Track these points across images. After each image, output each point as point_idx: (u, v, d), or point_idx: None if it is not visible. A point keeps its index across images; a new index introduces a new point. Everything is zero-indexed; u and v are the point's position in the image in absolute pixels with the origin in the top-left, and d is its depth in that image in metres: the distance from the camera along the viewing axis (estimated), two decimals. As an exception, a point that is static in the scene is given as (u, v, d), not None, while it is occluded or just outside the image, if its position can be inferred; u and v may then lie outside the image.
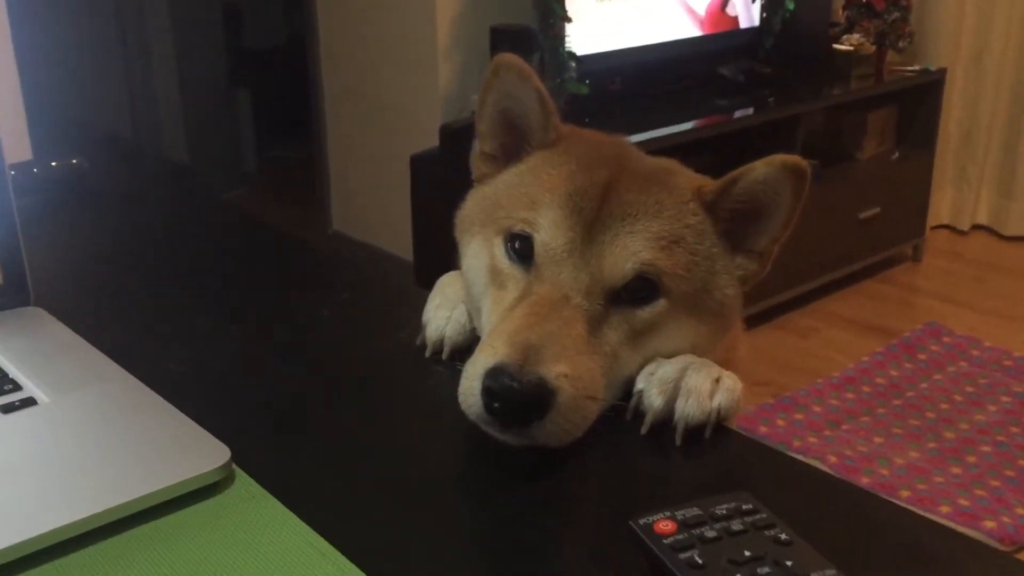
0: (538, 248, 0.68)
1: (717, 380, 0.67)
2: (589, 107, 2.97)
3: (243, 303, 0.89)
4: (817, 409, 2.76)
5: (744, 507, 0.51)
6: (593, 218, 0.68)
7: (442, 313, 0.77)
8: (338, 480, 0.61)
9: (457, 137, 2.39)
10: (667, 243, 0.69)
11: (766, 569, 0.47)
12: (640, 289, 0.68)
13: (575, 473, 0.62)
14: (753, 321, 3.27)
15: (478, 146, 0.77)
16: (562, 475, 0.62)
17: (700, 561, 0.47)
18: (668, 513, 0.51)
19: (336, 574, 0.51)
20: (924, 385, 2.91)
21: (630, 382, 0.68)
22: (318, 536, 0.54)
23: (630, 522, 0.51)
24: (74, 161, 1.19)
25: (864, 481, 2.40)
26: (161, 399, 0.65)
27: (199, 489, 0.58)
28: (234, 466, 0.60)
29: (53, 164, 1.14)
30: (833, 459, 2.49)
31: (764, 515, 0.51)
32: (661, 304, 0.69)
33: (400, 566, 0.53)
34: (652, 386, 0.66)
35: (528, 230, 0.69)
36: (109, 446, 0.60)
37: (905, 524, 0.58)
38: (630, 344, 0.68)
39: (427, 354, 0.75)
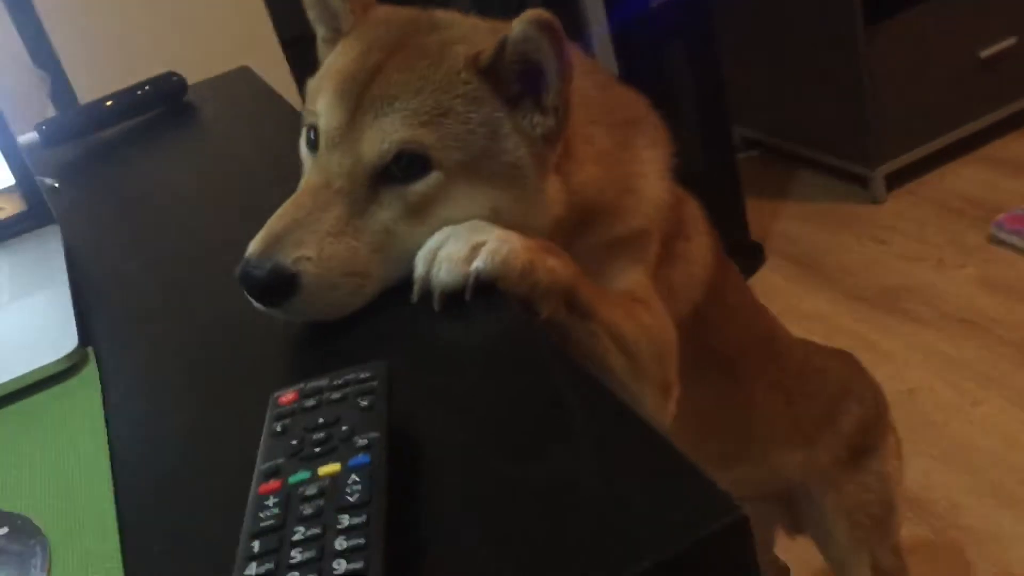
0: (319, 136, 0.74)
1: (482, 244, 0.69)
2: None
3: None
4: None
5: (362, 375, 0.56)
6: (358, 103, 0.72)
7: None
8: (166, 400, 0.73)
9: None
10: (430, 117, 0.71)
11: (321, 435, 0.52)
12: (411, 165, 0.71)
13: (328, 346, 0.69)
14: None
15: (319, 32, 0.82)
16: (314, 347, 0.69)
17: (279, 429, 0.54)
18: (302, 384, 0.57)
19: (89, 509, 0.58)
20: None
21: None
22: (105, 459, 0.63)
23: (272, 395, 0.58)
24: (174, 78, 1.37)
25: None
26: (67, 294, 0.81)
27: (53, 377, 0.72)
28: (91, 358, 0.74)
29: (147, 88, 1.33)
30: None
31: (375, 383, 0.55)
32: (435, 176, 0.71)
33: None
34: (419, 256, 0.70)
35: (314, 120, 0.75)
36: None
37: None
38: (410, 219, 0.71)
39: None
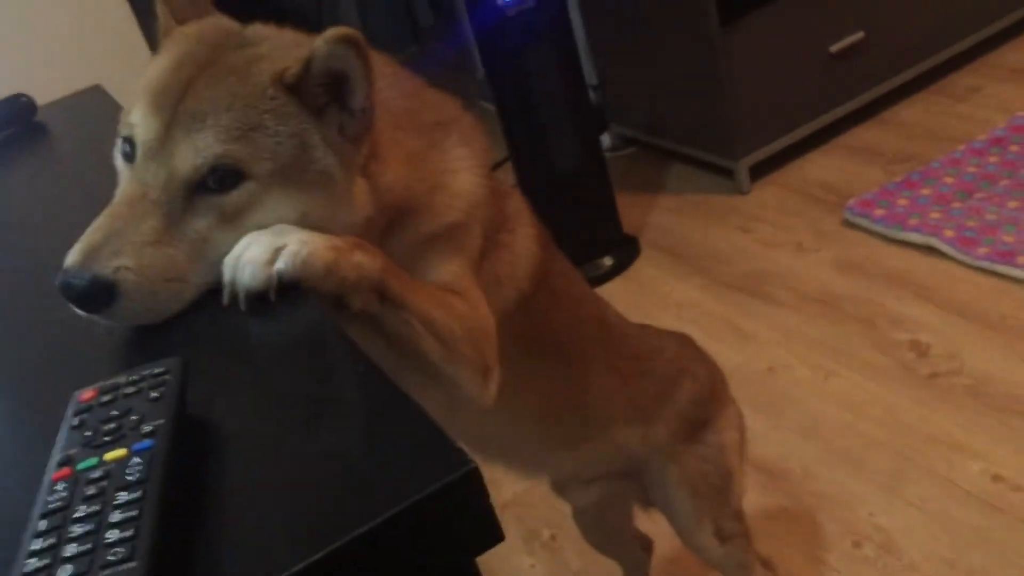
0: (134, 147, 0.78)
1: (283, 247, 0.74)
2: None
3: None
4: (949, 180, 2.58)
5: (156, 371, 0.61)
6: (171, 117, 0.77)
7: None
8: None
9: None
10: (241, 132, 0.76)
11: (112, 425, 0.57)
12: (225, 177, 0.76)
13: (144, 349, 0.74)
14: (907, 90, 3.03)
15: None
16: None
17: (77, 423, 0.59)
18: (102, 382, 0.62)
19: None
20: (1081, 135, 2.61)
21: None
22: None
23: (73, 393, 0.63)
24: (22, 98, 1.39)
25: (981, 251, 2.26)
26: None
27: None
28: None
29: (-7, 109, 1.35)
30: (949, 233, 2.35)
31: (168, 377, 0.61)
32: (249, 186, 0.76)
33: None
34: (225, 262, 0.75)
35: (130, 132, 0.79)
36: None
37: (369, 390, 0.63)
38: (224, 226, 0.76)
39: None
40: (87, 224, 1.03)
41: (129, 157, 0.80)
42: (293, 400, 0.63)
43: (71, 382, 0.71)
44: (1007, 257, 2.20)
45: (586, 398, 1.21)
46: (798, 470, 1.91)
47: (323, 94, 0.79)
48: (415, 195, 0.89)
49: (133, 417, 0.58)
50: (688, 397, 1.32)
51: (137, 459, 0.54)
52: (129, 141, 0.79)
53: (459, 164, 0.94)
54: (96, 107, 1.45)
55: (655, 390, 1.30)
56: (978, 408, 1.91)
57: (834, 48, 2.86)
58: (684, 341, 1.40)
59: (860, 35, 2.88)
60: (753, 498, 1.63)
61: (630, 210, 2.91)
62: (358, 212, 0.83)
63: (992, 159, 2.60)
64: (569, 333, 1.16)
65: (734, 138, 2.85)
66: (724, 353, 1.38)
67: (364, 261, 0.78)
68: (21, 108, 1.38)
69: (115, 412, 0.59)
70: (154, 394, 0.59)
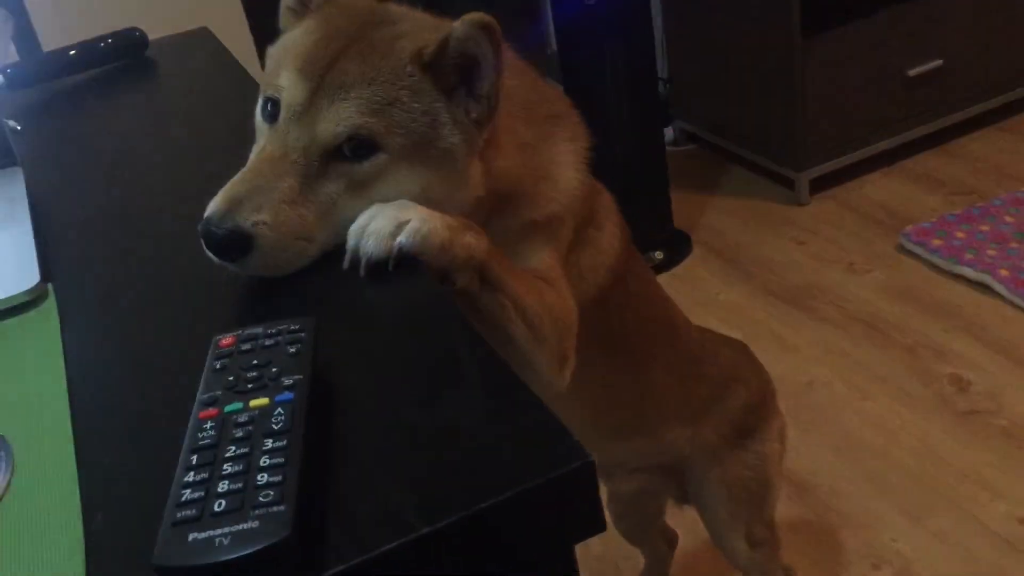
0: (280, 109, 0.83)
1: (406, 222, 0.79)
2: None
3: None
4: (1009, 219, 2.58)
5: (292, 327, 0.66)
6: (317, 85, 0.81)
7: None
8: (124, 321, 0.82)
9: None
10: (380, 106, 0.80)
11: (254, 373, 0.62)
12: (360, 147, 0.81)
13: (272, 304, 0.79)
14: (978, 123, 3.03)
15: None
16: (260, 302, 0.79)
17: (218, 367, 0.64)
18: (239, 331, 0.67)
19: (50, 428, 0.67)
20: None
21: None
22: (62, 379, 0.73)
23: (214, 338, 0.67)
24: (136, 33, 1.44)
25: (1033, 296, 2.27)
26: (30, 233, 0.89)
27: (16, 308, 0.81)
28: (51, 293, 0.83)
29: (109, 40, 1.40)
30: (1004, 272, 2.36)
31: (303, 335, 0.65)
32: (381, 158, 0.81)
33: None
34: (351, 230, 0.80)
35: (275, 93, 0.84)
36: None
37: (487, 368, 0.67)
38: (353, 193, 0.81)
39: None
40: (194, 164, 1.09)
41: (271, 117, 0.84)
42: (412, 370, 0.67)
43: (201, 325, 0.77)
44: (1059, 304, 2.22)
45: (644, 394, 1.26)
46: (826, 486, 1.95)
47: (454, 75, 0.83)
48: (523, 183, 0.93)
49: (273, 369, 0.62)
50: (738, 404, 1.36)
51: (280, 409, 0.59)
52: (273, 102, 0.84)
53: (565, 158, 0.98)
54: (203, 48, 1.50)
55: (708, 393, 1.34)
56: (1011, 451, 1.93)
57: (912, 72, 2.86)
58: (741, 348, 1.44)
59: (939, 63, 2.88)
60: (779, 508, 1.67)
61: (685, 207, 2.93)
62: (472, 193, 0.87)
63: (1055, 204, 2.60)
64: (637, 331, 1.20)
65: (799, 149, 2.86)
66: (764, 362, 1.41)
67: (473, 242, 0.82)
68: (134, 42, 1.43)
69: (256, 361, 0.63)
70: (291, 349, 0.64)
